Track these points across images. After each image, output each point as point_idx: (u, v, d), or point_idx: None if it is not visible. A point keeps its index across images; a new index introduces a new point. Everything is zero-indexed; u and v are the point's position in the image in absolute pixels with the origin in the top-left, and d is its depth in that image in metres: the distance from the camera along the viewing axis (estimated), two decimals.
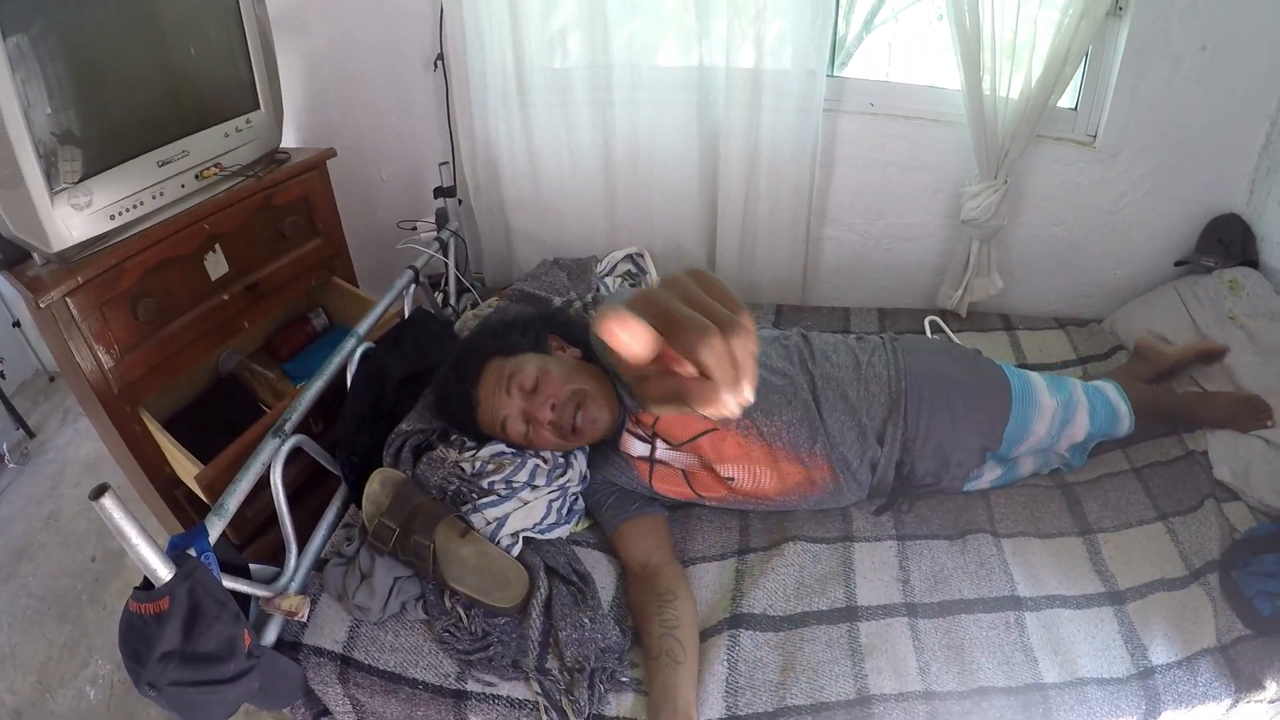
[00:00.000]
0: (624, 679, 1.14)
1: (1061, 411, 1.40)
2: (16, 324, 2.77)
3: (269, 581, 1.27)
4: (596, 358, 1.40)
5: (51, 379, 3.02)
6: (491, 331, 1.44)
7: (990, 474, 1.44)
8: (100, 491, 0.93)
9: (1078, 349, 1.86)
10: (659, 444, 1.37)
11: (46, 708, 1.88)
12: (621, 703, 1.13)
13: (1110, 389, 1.50)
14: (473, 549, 1.21)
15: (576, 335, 1.45)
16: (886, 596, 1.28)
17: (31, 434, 2.83)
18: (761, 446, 1.32)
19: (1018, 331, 1.95)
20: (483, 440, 1.38)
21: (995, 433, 1.38)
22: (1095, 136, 1.85)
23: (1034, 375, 1.47)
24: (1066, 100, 1.83)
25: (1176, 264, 1.93)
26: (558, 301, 1.76)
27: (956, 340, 1.86)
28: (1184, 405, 1.57)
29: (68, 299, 1.45)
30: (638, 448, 1.38)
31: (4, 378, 2.69)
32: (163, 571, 0.99)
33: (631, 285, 1.97)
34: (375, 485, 1.30)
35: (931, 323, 1.96)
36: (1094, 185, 1.89)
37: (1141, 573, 1.30)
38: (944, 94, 1.87)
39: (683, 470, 1.38)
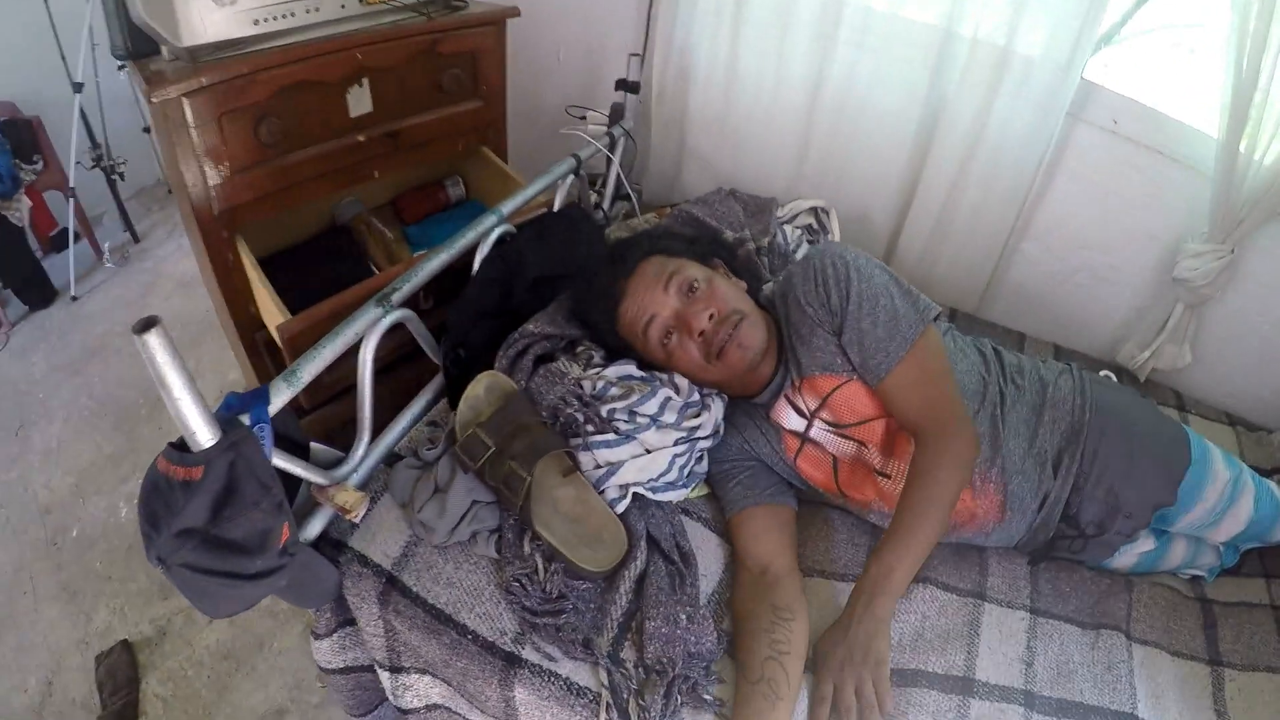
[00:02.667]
0: (706, 695, 0.96)
1: (1231, 487, 1.22)
2: (147, 129, 2.74)
3: (329, 467, 1.11)
4: (763, 304, 1.27)
5: (170, 191, 2.98)
6: (655, 233, 1.33)
7: (1143, 545, 1.26)
8: (147, 325, 0.74)
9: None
10: (817, 423, 1.21)
11: (75, 512, 1.82)
12: None
13: (1273, 484, 1.31)
14: (572, 492, 1.04)
15: (743, 271, 1.33)
16: (1008, 677, 1.10)
17: (136, 239, 2.82)
18: None
19: (1188, 414, 1.71)
20: (613, 355, 1.24)
21: (1171, 485, 1.21)
22: None
23: (1208, 441, 1.29)
24: None
25: None
26: (729, 235, 1.56)
27: None
28: None
29: (185, 99, 1.31)
30: (793, 420, 1.22)
31: (123, 179, 2.68)
32: (203, 436, 0.82)
33: (810, 241, 1.75)
34: (480, 389, 1.13)
35: (1105, 377, 1.71)
36: None
37: None
38: (1197, 135, 1.58)
39: (834, 457, 1.22)
